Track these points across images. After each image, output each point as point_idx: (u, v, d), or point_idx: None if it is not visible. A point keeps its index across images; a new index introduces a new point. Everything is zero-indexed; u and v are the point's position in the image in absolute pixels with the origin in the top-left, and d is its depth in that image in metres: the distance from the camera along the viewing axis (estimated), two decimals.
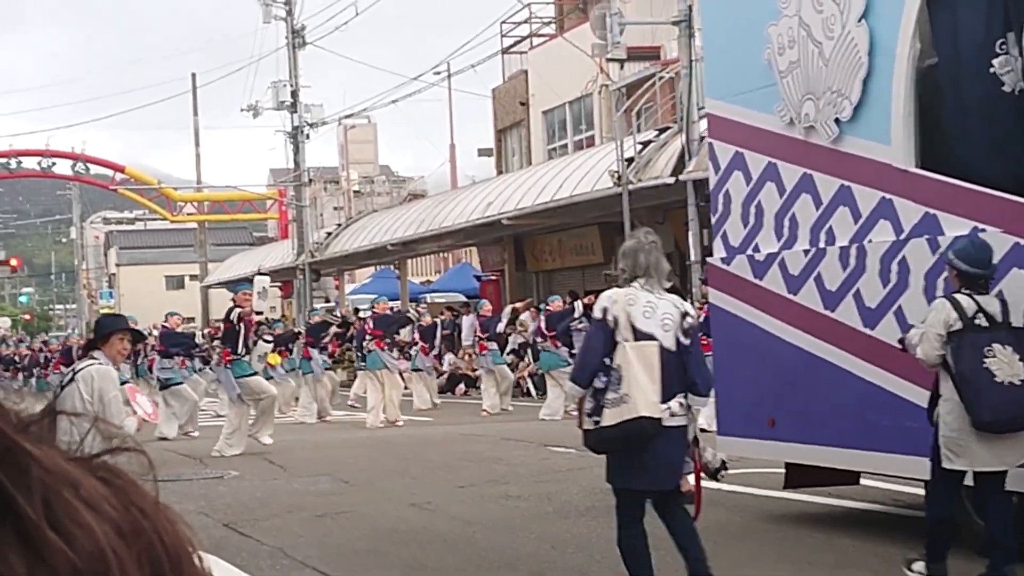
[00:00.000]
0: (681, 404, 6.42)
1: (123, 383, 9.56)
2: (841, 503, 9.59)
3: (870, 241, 8.01)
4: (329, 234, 37.79)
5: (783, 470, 9.23)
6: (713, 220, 9.63)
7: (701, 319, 14.75)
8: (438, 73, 35.77)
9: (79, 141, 65.17)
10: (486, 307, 22.40)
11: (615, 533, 6.70)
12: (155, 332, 22.30)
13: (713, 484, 9.00)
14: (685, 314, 6.58)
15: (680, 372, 6.41)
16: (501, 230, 28.67)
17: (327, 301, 38.05)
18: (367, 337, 20.54)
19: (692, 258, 20.38)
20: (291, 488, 12.39)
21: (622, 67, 24.58)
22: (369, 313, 21.62)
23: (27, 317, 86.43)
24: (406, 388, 22.08)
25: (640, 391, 6.30)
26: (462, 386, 27.35)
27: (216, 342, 19.02)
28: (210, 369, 22.01)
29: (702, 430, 7.67)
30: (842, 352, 8.21)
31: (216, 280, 47.80)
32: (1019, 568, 6.72)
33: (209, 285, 47.92)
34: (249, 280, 17.30)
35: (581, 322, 20.76)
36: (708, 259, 9.13)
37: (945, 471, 6.85)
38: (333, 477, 13.02)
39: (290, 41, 37.27)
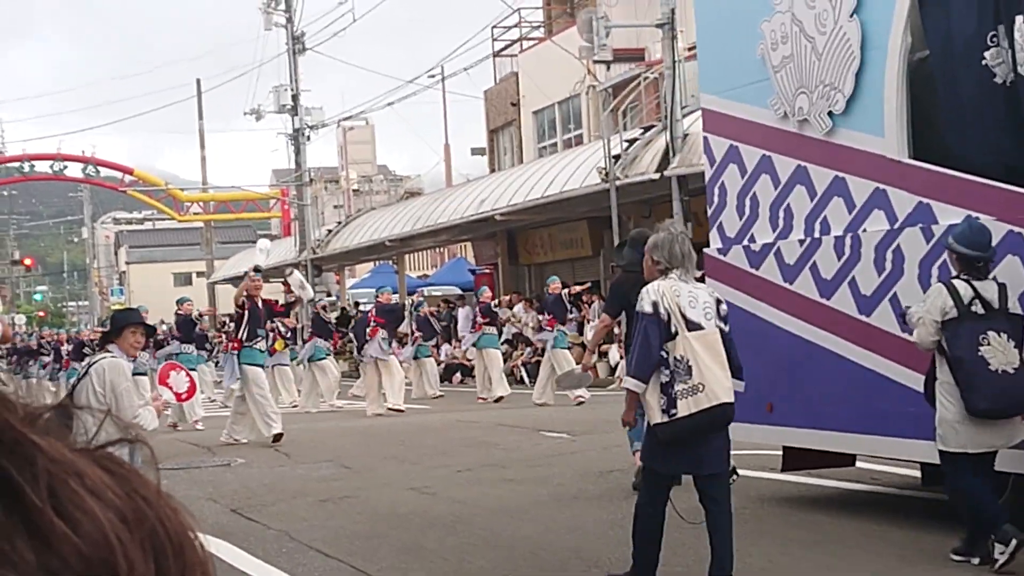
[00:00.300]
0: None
1: (136, 374, 9.48)
2: (826, 483, 9.54)
3: (864, 230, 7.89)
4: (330, 231, 37.73)
5: (780, 452, 9.18)
6: (709, 212, 9.47)
7: None
8: (432, 76, 35.65)
9: (89, 145, 65.13)
10: (486, 293, 22.29)
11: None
12: (164, 326, 22.23)
13: None
14: (719, 301, 6.48)
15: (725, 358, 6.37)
16: (494, 226, 28.65)
17: (328, 295, 37.99)
18: (370, 324, 20.42)
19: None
20: (295, 474, 12.33)
21: (608, 68, 24.58)
22: (373, 303, 21.52)
23: (41, 314, 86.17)
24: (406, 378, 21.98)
25: (715, 379, 6.18)
26: (458, 375, 27.29)
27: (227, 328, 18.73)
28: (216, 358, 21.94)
29: None
30: (838, 338, 8.10)
31: (222, 276, 47.68)
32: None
33: (215, 281, 47.84)
34: (256, 270, 16.78)
35: (571, 312, 20.70)
36: (705, 250, 8.95)
37: (945, 453, 6.73)
38: (335, 463, 12.97)
39: (290, 47, 37.16)
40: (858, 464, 9.21)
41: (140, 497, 0.61)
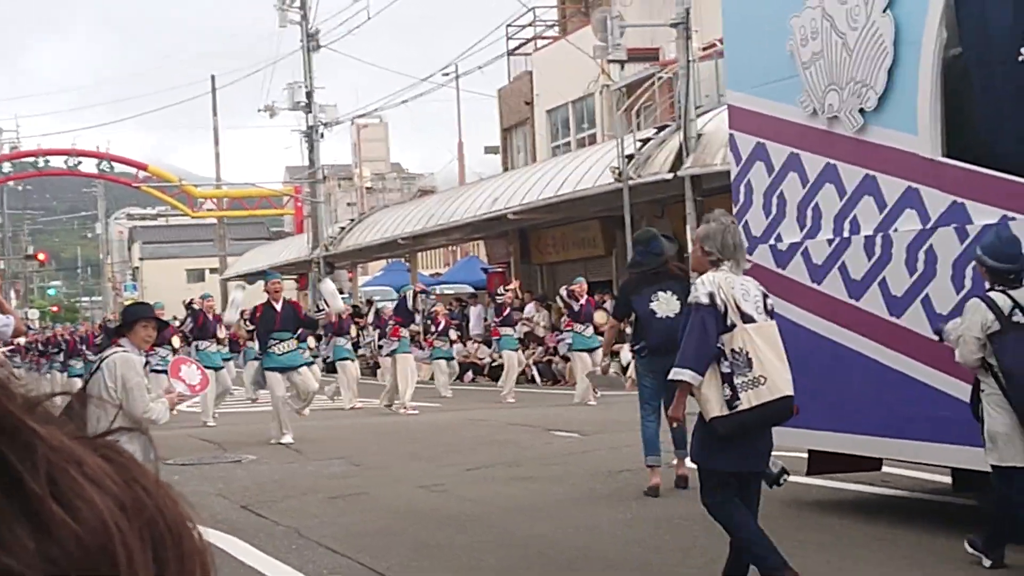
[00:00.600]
0: None
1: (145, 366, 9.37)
2: (846, 487, 9.42)
3: (896, 230, 7.69)
4: (343, 229, 37.71)
5: (802, 455, 9.03)
6: (734, 211, 9.20)
7: None
8: (446, 74, 35.66)
9: (104, 141, 65.28)
10: (508, 294, 22.20)
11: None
12: (175, 321, 21.99)
13: None
14: (766, 295, 6.31)
15: None
16: (507, 224, 28.57)
17: (341, 292, 37.93)
18: (388, 324, 20.32)
19: (690, 251, 20.20)
20: (306, 471, 12.26)
21: (622, 68, 24.46)
22: (395, 303, 21.36)
23: (55, 309, 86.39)
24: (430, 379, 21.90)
25: (776, 372, 6.02)
26: (470, 374, 27.20)
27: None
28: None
29: None
30: (867, 340, 7.91)
31: (235, 273, 47.66)
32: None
33: (228, 278, 47.84)
34: (263, 272, 16.69)
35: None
36: None
37: (998, 468, 6.50)
38: (346, 460, 12.90)
39: (305, 44, 37.14)
40: (884, 468, 9.04)
41: (139, 486, 0.61)
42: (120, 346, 7.52)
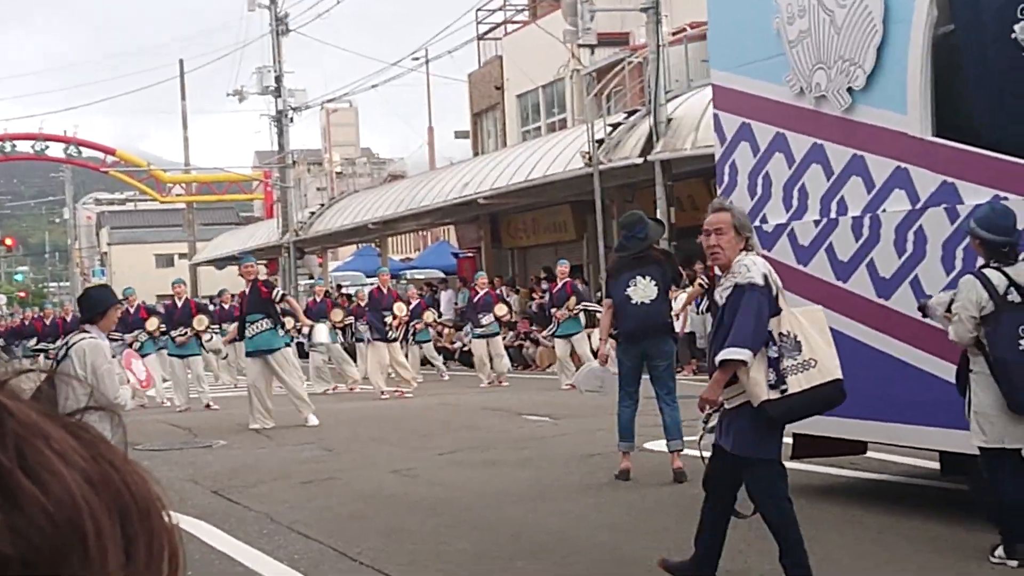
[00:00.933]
0: None
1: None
2: (833, 472, 9.48)
3: (884, 211, 7.57)
4: (312, 213, 37.59)
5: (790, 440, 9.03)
6: (718, 192, 9.12)
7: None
8: (416, 59, 35.54)
9: (71, 125, 64.62)
10: (482, 279, 22.21)
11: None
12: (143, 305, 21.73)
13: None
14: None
15: None
16: (477, 209, 28.55)
17: (311, 278, 37.85)
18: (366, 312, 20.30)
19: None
20: (277, 456, 12.25)
21: (592, 52, 24.48)
22: (372, 288, 21.30)
23: (22, 295, 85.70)
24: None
25: (827, 355, 5.91)
26: (441, 357, 27.16)
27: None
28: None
29: None
30: (853, 322, 7.81)
31: (204, 258, 47.49)
32: None
33: (197, 263, 47.64)
34: (237, 258, 16.46)
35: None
36: None
37: (985, 449, 6.40)
38: (317, 445, 12.89)
39: (274, 28, 36.94)
40: (869, 453, 8.98)
41: (107, 462, 0.62)
42: (87, 332, 7.46)
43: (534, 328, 24.95)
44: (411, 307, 21.64)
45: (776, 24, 8.43)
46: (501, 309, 21.14)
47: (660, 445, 9.55)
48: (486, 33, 34.48)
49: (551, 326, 20.33)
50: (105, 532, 0.59)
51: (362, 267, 38.60)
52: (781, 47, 8.38)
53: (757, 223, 8.63)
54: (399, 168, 47.50)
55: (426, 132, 43.26)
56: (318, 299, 23.45)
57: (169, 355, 19.31)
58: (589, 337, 19.08)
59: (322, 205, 38.87)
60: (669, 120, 20.91)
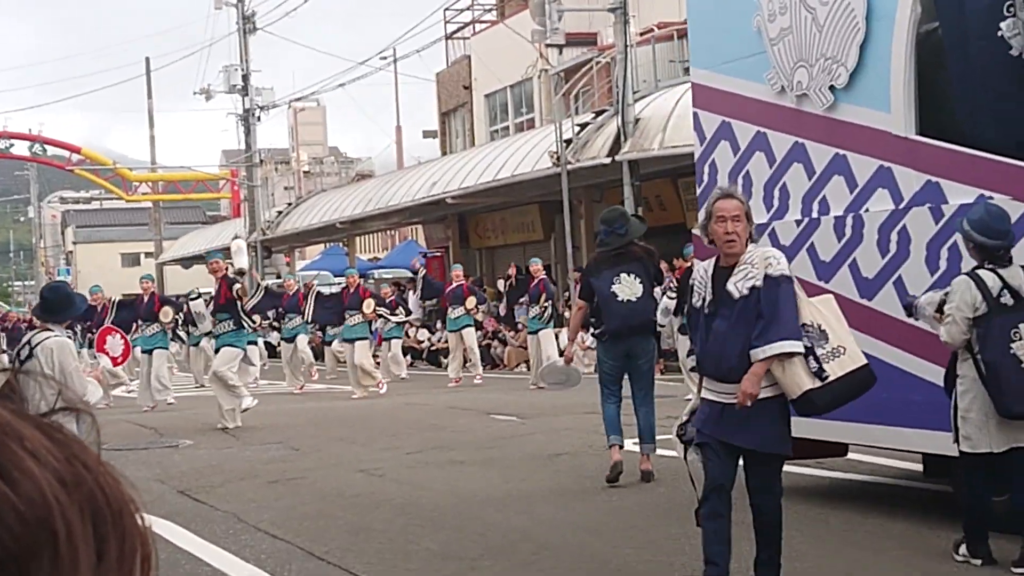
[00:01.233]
0: None
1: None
2: (817, 473, 9.51)
3: (867, 210, 7.47)
4: (280, 213, 37.49)
5: None
6: (698, 191, 9.00)
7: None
8: (384, 58, 35.56)
9: (37, 123, 64.17)
10: (456, 272, 22.22)
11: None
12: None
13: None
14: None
15: None
16: (445, 208, 28.57)
17: (278, 277, 37.72)
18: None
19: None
20: (244, 456, 12.23)
21: (560, 52, 24.52)
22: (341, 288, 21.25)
23: None
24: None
25: (850, 342, 5.88)
26: (408, 358, 27.15)
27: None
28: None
29: None
30: None
31: (170, 257, 47.28)
32: None
33: (164, 262, 47.40)
34: (204, 257, 16.45)
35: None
36: (693, 231, 8.34)
37: (967, 455, 6.35)
38: (284, 445, 12.87)
39: (241, 26, 36.82)
40: (850, 455, 8.93)
41: (79, 462, 0.62)
42: (50, 330, 7.42)
43: (502, 328, 24.98)
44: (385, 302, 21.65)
45: (757, 22, 8.30)
46: (471, 302, 21.12)
47: (628, 444, 9.58)
48: (454, 32, 34.50)
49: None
50: (76, 532, 0.60)
51: (330, 266, 38.51)
52: (762, 45, 8.26)
53: None
54: (367, 167, 47.39)
55: (394, 131, 43.30)
56: (289, 293, 23.33)
57: (135, 346, 19.24)
58: (557, 337, 19.13)
59: (289, 204, 38.77)
60: (637, 120, 21.00)
